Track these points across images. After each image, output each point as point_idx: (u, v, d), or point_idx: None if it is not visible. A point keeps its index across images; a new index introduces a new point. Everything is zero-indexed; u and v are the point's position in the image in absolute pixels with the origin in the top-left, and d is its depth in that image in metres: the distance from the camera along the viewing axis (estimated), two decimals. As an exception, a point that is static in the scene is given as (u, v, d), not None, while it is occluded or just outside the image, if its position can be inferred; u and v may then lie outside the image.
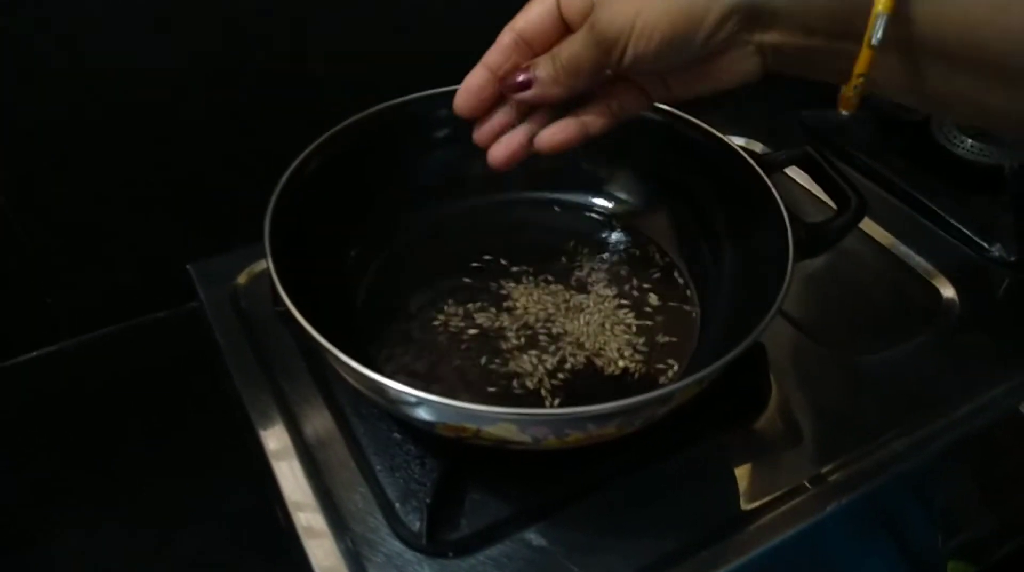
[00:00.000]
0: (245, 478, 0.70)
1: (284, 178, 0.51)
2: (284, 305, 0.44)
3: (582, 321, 0.56)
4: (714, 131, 0.57)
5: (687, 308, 0.58)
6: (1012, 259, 0.65)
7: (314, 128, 0.56)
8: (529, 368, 0.53)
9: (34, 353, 0.69)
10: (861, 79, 0.37)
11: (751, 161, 0.55)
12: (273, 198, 0.50)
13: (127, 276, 0.69)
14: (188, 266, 0.64)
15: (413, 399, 0.41)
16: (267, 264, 0.46)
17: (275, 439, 0.53)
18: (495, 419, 0.41)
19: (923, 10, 0.34)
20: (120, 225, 0.66)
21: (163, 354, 0.73)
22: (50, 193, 0.61)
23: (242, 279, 0.62)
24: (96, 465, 0.74)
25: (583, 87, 0.43)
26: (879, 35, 0.35)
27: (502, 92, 0.45)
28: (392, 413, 0.50)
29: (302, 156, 0.53)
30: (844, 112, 0.40)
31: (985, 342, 0.59)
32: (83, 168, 0.62)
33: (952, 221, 0.67)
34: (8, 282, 0.64)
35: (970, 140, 0.74)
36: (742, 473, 0.52)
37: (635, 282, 0.60)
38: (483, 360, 0.54)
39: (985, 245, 0.66)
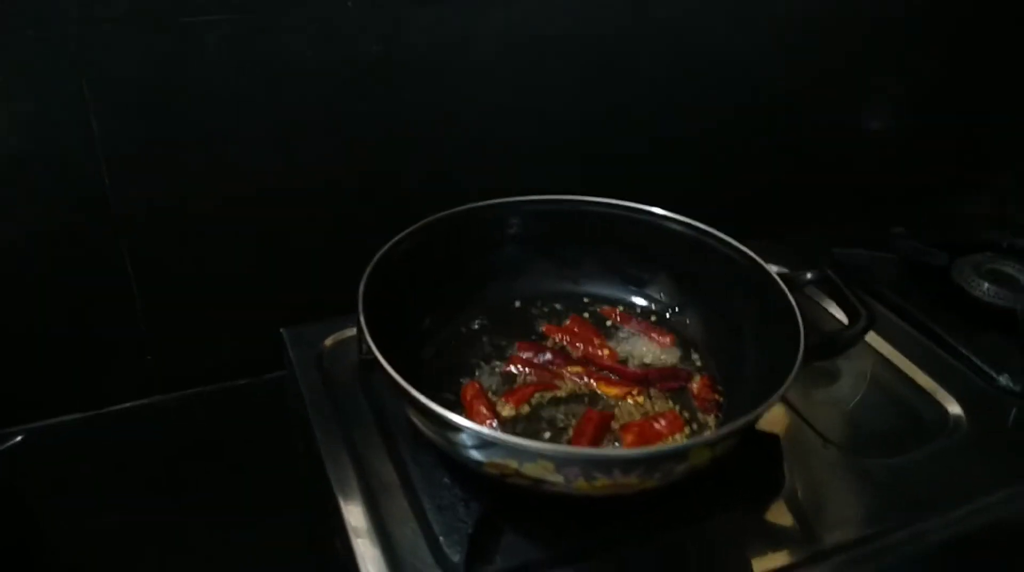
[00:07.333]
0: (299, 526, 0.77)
1: (378, 255, 0.63)
2: (371, 352, 0.54)
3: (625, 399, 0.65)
4: (749, 251, 0.67)
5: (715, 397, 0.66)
6: (1018, 389, 0.71)
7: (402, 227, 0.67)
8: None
9: (127, 404, 0.77)
10: None
11: (777, 278, 0.64)
12: (369, 267, 0.61)
13: (221, 344, 0.78)
14: (281, 330, 0.74)
15: (471, 435, 0.49)
16: (358, 318, 0.56)
17: (344, 481, 0.60)
18: (536, 455, 0.49)
19: None
20: (223, 300, 0.76)
21: (247, 416, 0.81)
22: (171, 273, 0.73)
23: (328, 342, 0.72)
24: (171, 508, 0.82)
25: None
26: None
27: None
28: (448, 452, 0.57)
29: (395, 238, 0.64)
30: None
31: (987, 460, 0.64)
32: (200, 249, 0.72)
33: (964, 351, 0.74)
34: (118, 342, 0.74)
35: (987, 284, 0.81)
36: (751, 550, 0.57)
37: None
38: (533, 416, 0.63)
39: (993, 374, 0.72)
